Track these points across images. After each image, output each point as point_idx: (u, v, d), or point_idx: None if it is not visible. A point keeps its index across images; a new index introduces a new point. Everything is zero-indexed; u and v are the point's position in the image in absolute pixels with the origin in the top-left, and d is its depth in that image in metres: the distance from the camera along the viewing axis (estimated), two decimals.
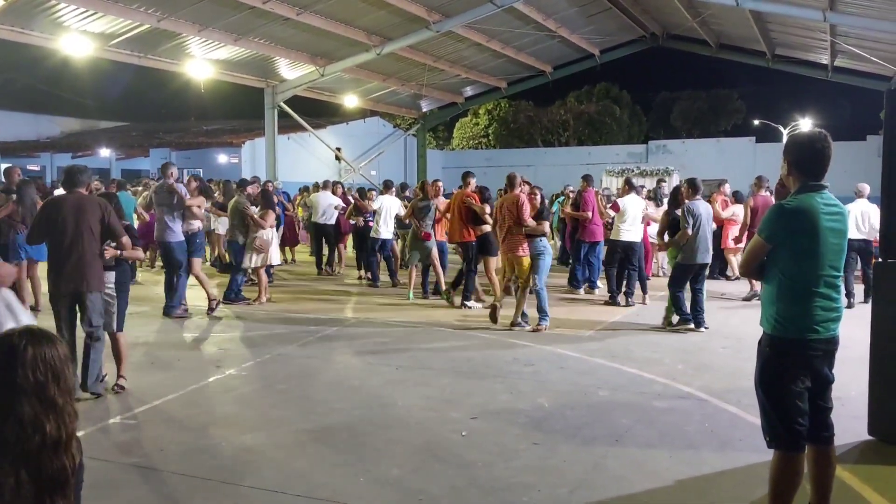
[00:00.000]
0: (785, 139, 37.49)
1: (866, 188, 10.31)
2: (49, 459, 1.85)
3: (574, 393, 6.19)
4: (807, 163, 3.49)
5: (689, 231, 8.58)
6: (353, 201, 13.96)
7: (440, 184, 11.71)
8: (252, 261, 10.67)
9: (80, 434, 1.94)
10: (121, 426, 5.34)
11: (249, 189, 11.65)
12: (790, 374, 3.42)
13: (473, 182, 10.64)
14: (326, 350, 7.85)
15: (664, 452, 4.80)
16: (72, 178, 6.05)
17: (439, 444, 4.94)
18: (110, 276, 6.14)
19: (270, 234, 10.88)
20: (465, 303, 10.40)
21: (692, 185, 8.87)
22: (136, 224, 12.96)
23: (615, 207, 10.83)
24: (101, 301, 6.00)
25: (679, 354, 7.59)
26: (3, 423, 1.80)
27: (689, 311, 8.82)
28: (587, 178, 12.33)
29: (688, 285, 8.88)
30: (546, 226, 8.99)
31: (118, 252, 6.04)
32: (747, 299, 10.88)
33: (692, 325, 8.80)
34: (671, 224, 9.18)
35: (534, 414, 5.60)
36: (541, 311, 8.89)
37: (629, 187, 11.25)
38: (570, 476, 4.41)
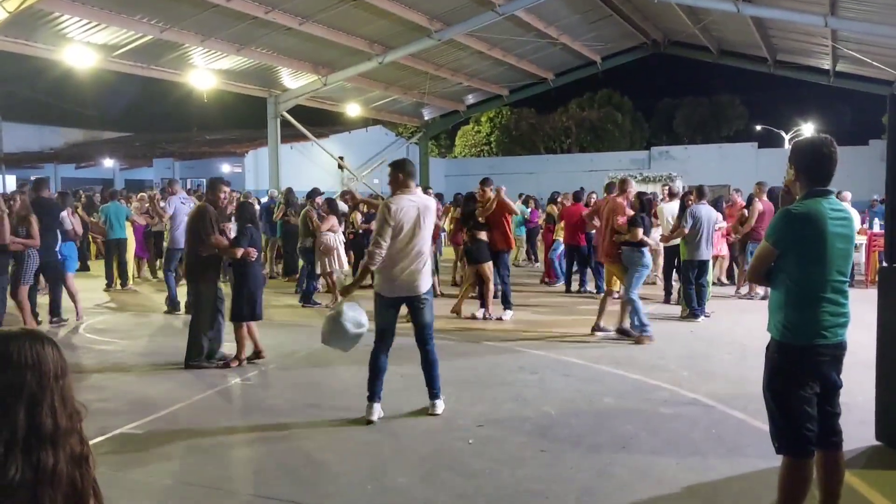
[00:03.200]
0: (787, 144, 37.54)
1: (848, 195, 11.45)
2: (75, 442, 1.93)
3: (579, 400, 6.18)
4: (813, 168, 3.50)
5: (686, 230, 9.81)
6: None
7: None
8: (322, 265, 11.22)
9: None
10: (127, 436, 5.34)
11: (318, 199, 12.35)
12: (798, 379, 3.42)
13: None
14: (332, 358, 7.83)
15: (670, 459, 4.79)
16: (209, 189, 7.79)
17: (446, 453, 4.94)
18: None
19: (334, 239, 11.24)
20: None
21: (699, 191, 10.24)
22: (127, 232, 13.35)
23: (654, 214, 11.21)
24: (193, 289, 7.55)
25: (684, 361, 7.58)
26: (39, 412, 1.86)
27: (696, 305, 9.91)
28: (606, 187, 12.51)
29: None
30: (638, 233, 8.50)
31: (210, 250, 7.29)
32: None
33: (698, 320, 9.82)
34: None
35: (539, 421, 5.60)
36: (637, 322, 8.54)
37: (671, 195, 12.00)
38: (577, 484, 4.40)
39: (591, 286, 12.87)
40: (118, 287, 13.08)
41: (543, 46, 23.28)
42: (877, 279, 5.36)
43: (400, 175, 5.68)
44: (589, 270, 13.04)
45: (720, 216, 10.88)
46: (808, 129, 37.79)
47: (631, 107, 48.05)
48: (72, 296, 9.92)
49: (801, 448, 3.43)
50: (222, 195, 7.60)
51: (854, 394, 5.42)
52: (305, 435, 5.33)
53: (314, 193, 12.77)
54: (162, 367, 7.44)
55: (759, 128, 41.34)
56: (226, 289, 7.79)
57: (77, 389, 2.06)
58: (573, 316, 10.43)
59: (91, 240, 16.79)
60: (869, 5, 15.17)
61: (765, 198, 12.55)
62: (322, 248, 11.13)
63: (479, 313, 10.17)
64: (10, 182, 31.22)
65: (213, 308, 7.40)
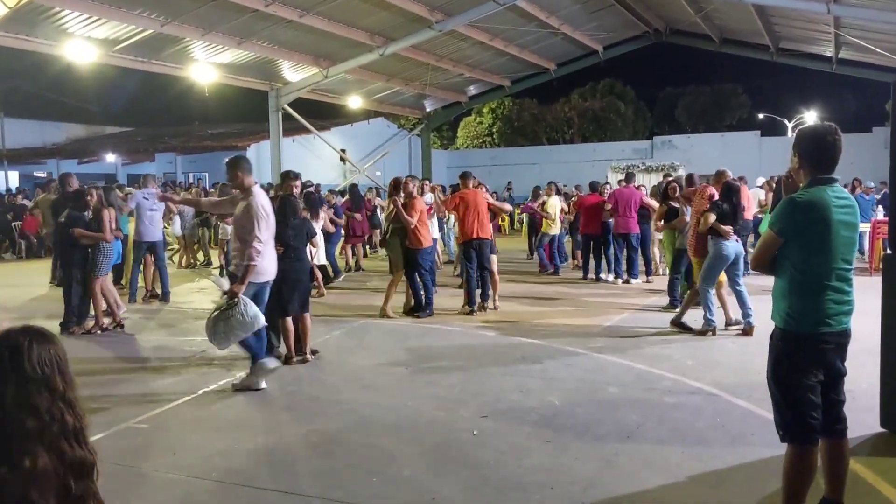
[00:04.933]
0: (790, 133, 37.44)
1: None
2: (70, 447, 1.92)
3: (583, 390, 6.19)
4: (817, 156, 3.48)
5: (687, 218, 9.35)
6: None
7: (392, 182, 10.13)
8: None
9: (91, 440, 2.01)
10: (132, 430, 5.35)
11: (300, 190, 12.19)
12: (803, 367, 3.41)
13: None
14: (335, 351, 7.85)
15: (675, 448, 4.79)
16: (281, 181, 8.07)
17: (450, 444, 4.95)
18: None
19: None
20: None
21: (689, 179, 10.06)
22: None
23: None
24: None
25: (688, 350, 7.57)
26: (23, 415, 1.87)
27: (677, 296, 9.77)
28: (626, 178, 13.38)
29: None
30: (710, 218, 8.04)
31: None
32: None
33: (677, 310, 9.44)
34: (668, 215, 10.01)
35: (544, 412, 5.60)
36: (705, 313, 8.23)
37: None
38: (582, 474, 4.40)
39: (604, 275, 13.07)
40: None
41: (545, 36, 23.21)
42: (881, 267, 5.34)
43: (238, 173, 6.26)
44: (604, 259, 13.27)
45: None
46: (811, 117, 37.68)
47: (633, 96, 47.90)
48: (96, 299, 9.39)
49: (805, 436, 3.43)
50: (287, 189, 7.75)
51: (859, 381, 5.42)
52: (309, 428, 5.34)
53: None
54: (165, 362, 7.46)
55: (761, 116, 41.24)
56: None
57: (82, 384, 2.07)
58: (576, 307, 10.43)
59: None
60: None
61: None
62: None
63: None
64: (13, 178, 31.28)
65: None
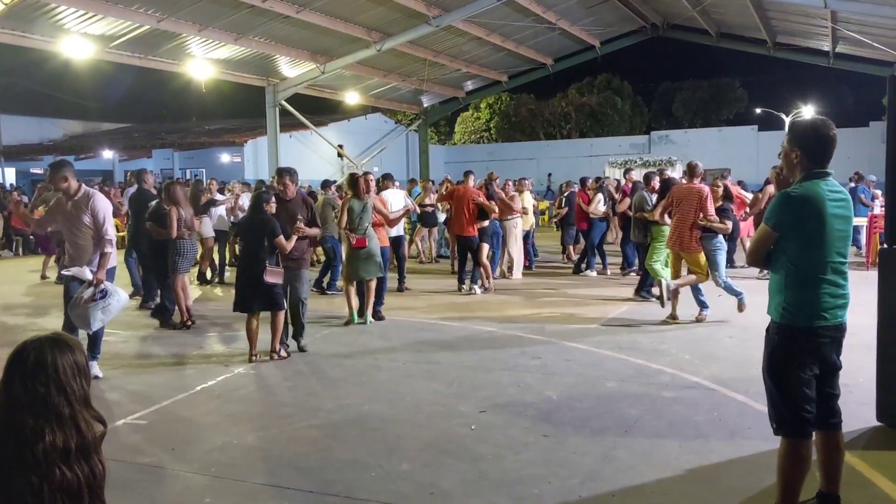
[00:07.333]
0: (787, 127, 37.36)
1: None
2: (56, 468, 1.89)
3: (581, 385, 6.20)
4: (811, 150, 3.49)
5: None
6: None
7: (371, 177, 9.48)
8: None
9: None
10: (131, 426, 5.37)
11: (332, 189, 12.79)
12: (798, 361, 3.43)
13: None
14: (333, 346, 7.86)
15: (673, 442, 4.81)
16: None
17: (449, 438, 4.96)
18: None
19: None
20: None
21: (646, 178, 10.96)
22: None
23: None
24: None
25: (685, 345, 7.59)
26: (8, 433, 1.83)
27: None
28: (644, 178, 13.57)
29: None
30: (728, 225, 8.42)
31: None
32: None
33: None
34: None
35: (542, 406, 5.62)
36: (735, 294, 8.47)
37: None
38: (580, 468, 4.42)
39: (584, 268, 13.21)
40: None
41: (542, 31, 23.20)
42: (877, 261, 5.36)
43: (67, 175, 6.34)
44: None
45: None
46: (808, 112, 37.64)
47: (630, 91, 47.79)
48: (177, 296, 8.91)
49: (798, 428, 3.44)
50: (280, 186, 7.67)
51: (855, 375, 5.45)
52: (307, 423, 5.35)
53: (329, 183, 13.09)
54: (163, 359, 7.47)
55: (759, 111, 41.17)
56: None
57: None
58: (574, 301, 10.44)
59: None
60: None
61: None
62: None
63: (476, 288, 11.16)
64: (10, 174, 31.22)
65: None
